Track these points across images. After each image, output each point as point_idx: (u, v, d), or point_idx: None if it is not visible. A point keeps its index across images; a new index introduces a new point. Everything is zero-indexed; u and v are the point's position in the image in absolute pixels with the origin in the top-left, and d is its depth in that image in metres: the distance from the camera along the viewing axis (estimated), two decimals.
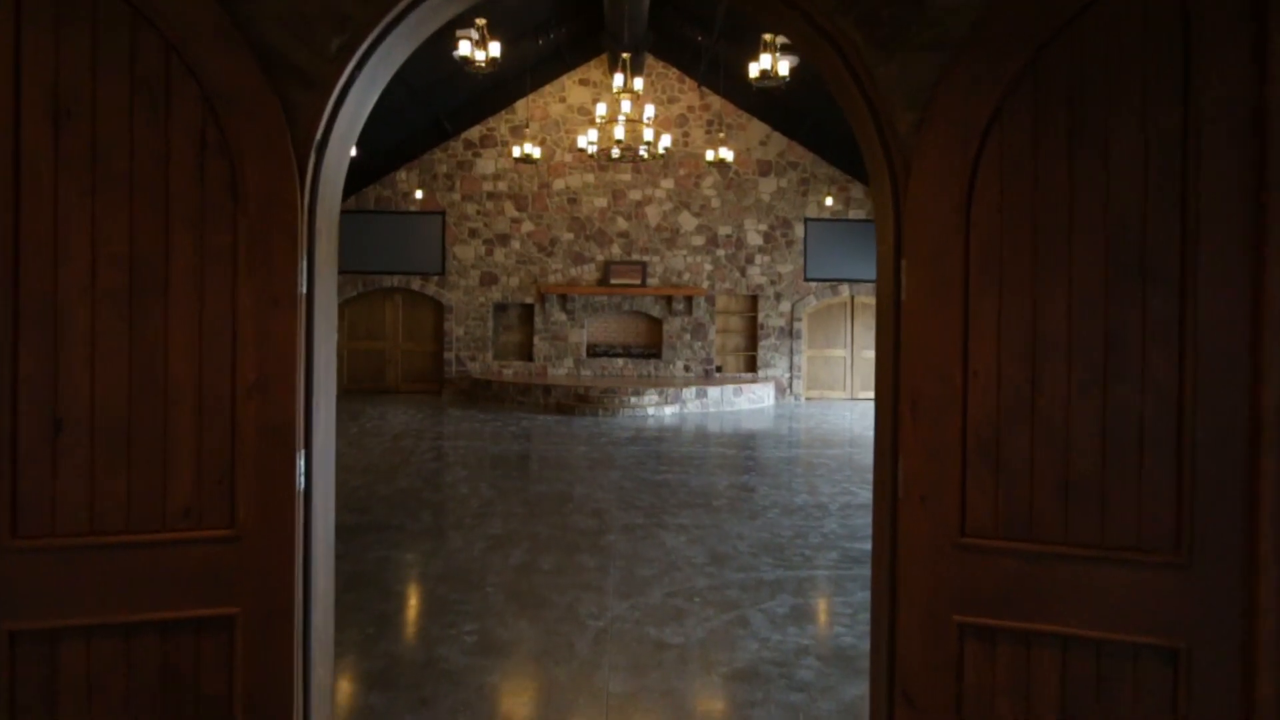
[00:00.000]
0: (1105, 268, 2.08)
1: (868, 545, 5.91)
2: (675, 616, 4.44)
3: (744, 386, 14.16)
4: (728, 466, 8.92)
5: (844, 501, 7.30)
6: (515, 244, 15.10)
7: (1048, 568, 2.11)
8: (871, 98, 2.30)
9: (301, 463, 2.25)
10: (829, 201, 14.92)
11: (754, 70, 8.54)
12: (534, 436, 10.83)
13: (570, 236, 15.09)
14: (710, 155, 12.23)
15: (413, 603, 4.71)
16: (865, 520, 6.64)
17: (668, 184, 15.13)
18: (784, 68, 8.50)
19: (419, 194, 14.96)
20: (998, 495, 2.14)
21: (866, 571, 5.30)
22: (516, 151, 12.16)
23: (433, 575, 5.18)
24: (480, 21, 8.58)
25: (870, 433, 11.54)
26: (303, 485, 2.27)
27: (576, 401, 13.08)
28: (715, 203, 15.14)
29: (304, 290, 2.26)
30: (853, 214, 15.18)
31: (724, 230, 15.17)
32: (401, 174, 15.12)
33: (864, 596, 4.82)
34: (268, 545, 2.19)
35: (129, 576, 2.12)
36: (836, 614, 4.53)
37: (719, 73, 14.01)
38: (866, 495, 7.58)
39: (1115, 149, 2.08)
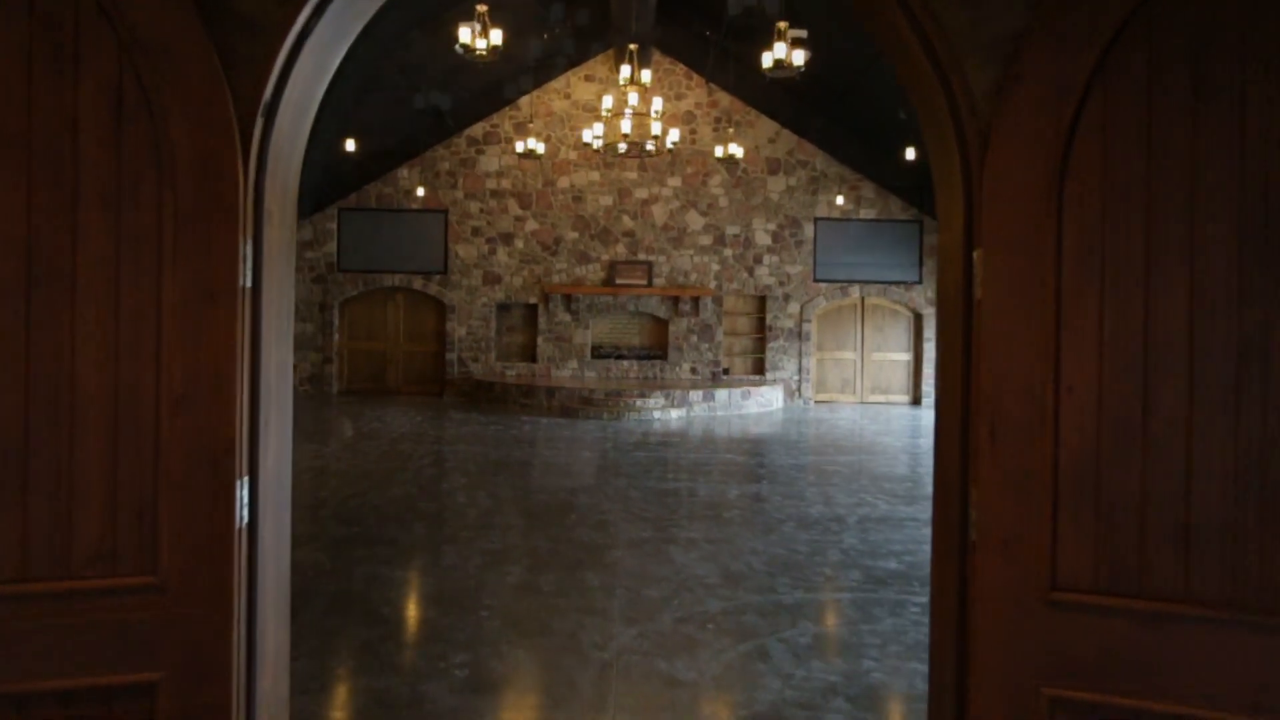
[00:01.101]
0: (1238, 257, 1.66)
1: (892, 564, 5.48)
2: (687, 647, 4.03)
3: (752, 389, 13.74)
4: (738, 474, 8.50)
5: (862, 514, 6.88)
6: (519, 243, 14.69)
7: (1163, 631, 1.69)
8: (937, 50, 1.88)
9: (243, 492, 1.84)
10: (840, 200, 14.51)
11: (767, 60, 8.13)
12: (537, 441, 10.42)
13: (575, 235, 14.67)
14: (719, 151, 11.80)
15: (399, 629, 4.30)
16: (886, 535, 6.21)
17: (674, 182, 14.71)
18: (798, 58, 8.10)
19: (421, 192, 14.57)
20: (1099, 540, 1.72)
21: (893, 595, 4.87)
22: (520, 147, 11.78)
23: (423, 596, 4.77)
24: (481, 9, 8.18)
25: (885, 439, 11.11)
26: (245, 519, 1.86)
27: (580, 404, 12.67)
28: (723, 201, 14.72)
29: (247, 282, 1.85)
30: (864, 213, 14.75)
31: (732, 230, 14.75)
32: (403, 171, 14.71)
33: (893, 624, 4.39)
34: (199, 595, 1.78)
35: (24, 635, 1.70)
36: (864, 645, 4.11)
37: (728, 69, 13.60)
38: (885, 506, 7.15)
39: (1253, 108, 1.65)
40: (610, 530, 6.19)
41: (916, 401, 14.84)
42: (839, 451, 10.03)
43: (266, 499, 1.93)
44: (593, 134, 10.89)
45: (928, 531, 6.38)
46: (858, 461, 9.37)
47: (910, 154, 11.41)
